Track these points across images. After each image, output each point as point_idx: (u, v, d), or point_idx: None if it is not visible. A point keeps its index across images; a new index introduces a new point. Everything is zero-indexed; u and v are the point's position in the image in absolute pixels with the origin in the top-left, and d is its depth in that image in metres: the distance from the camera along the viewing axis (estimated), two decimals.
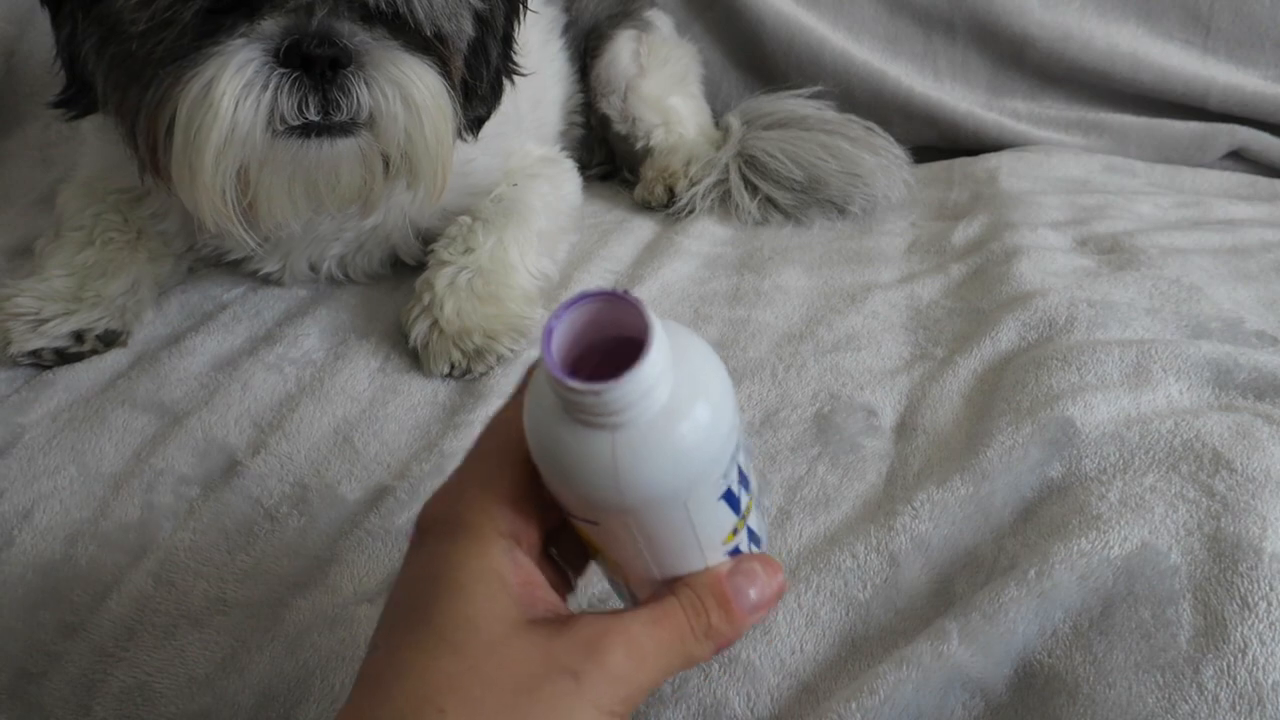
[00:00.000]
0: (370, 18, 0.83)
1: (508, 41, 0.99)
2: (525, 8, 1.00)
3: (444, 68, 0.87)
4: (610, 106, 1.43)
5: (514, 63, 1.01)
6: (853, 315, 1.00)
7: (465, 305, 0.95)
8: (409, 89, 0.82)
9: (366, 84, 0.81)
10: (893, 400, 0.87)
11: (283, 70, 0.79)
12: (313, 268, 1.07)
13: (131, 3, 0.79)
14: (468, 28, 0.89)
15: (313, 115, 0.80)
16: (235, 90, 0.78)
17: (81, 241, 1.02)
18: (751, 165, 1.30)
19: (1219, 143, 1.49)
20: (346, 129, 0.83)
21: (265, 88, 0.79)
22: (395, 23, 0.84)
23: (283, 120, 0.80)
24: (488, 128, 1.01)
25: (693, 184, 1.29)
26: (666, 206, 1.30)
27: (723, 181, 1.30)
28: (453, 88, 0.88)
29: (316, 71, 0.80)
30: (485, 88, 0.96)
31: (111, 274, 0.99)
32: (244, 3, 0.80)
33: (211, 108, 0.78)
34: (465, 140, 0.97)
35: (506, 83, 1.02)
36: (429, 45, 0.86)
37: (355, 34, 0.81)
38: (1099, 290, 0.97)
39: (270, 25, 0.80)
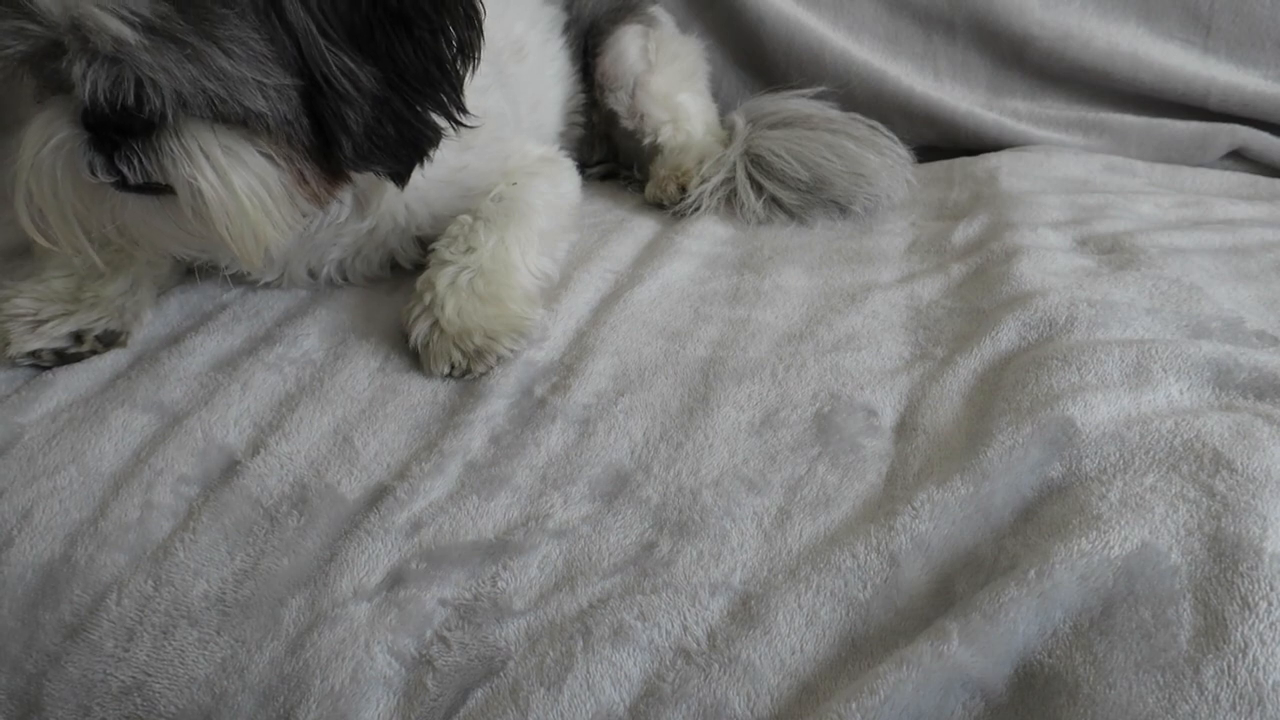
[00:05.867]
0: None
1: (426, 92, 0.89)
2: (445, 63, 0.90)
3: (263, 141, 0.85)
4: (617, 103, 1.42)
5: (451, 114, 0.91)
6: (853, 315, 1.00)
7: (466, 305, 0.95)
8: (185, 165, 0.81)
9: (155, 153, 0.81)
10: (893, 400, 0.87)
11: (80, 131, 0.81)
12: (311, 274, 1.07)
13: None
14: (261, 106, 0.81)
15: (102, 176, 0.82)
16: (35, 144, 0.82)
17: None
18: (758, 164, 1.30)
19: (1219, 142, 1.49)
20: (146, 189, 0.84)
21: (61, 147, 0.82)
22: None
23: (90, 176, 0.82)
24: (483, 132, 1.00)
25: (703, 181, 1.30)
26: (677, 204, 1.30)
27: (729, 180, 1.30)
28: (280, 160, 0.85)
29: (105, 137, 0.81)
30: (364, 147, 0.87)
31: (110, 275, 0.99)
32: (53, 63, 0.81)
33: (21, 157, 0.83)
34: (398, 187, 0.93)
35: (444, 134, 0.92)
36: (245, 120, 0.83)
37: (136, 101, 0.79)
38: (1099, 290, 0.97)
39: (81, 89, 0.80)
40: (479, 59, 0.92)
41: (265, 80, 0.81)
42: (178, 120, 0.80)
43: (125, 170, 0.81)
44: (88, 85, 0.78)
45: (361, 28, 0.84)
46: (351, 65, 0.84)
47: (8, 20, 0.78)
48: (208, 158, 0.81)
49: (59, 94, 0.83)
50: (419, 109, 0.89)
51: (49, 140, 0.82)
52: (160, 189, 0.84)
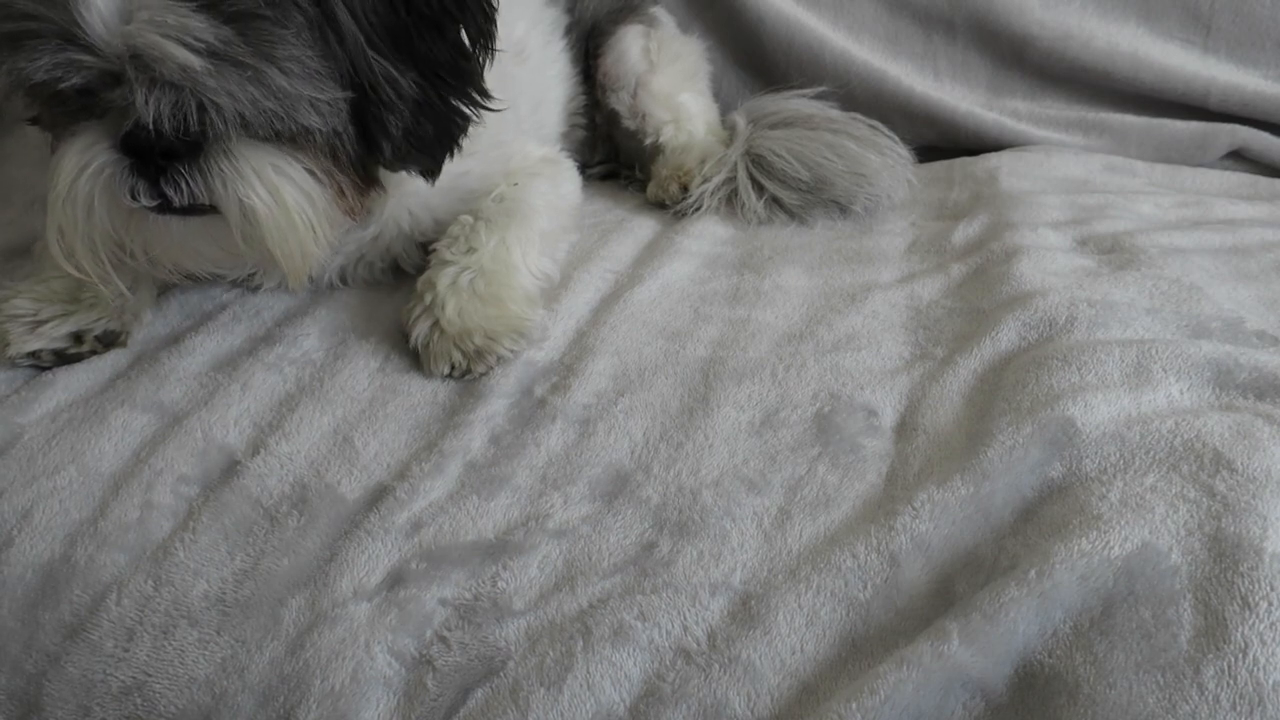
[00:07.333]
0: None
1: (457, 85, 0.91)
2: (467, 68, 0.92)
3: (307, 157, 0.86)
4: (619, 102, 1.42)
5: (477, 101, 0.93)
6: (853, 315, 1.00)
7: (467, 306, 0.95)
8: (238, 185, 0.82)
9: (202, 174, 0.81)
10: (893, 400, 0.87)
11: (120, 157, 0.81)
12: (312, 279, 1.07)
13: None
14: (315, 122, 0.82)
15: (145, 200, 0.82)
16: (71, 172, 0.81)
17: None
18: (759, 165, 1.30)
19: (1219, 142, 1.49)
20: (190, 210, 0.84)
21: (100, 172, 0.81)
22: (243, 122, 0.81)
23: (131, 201, 0.82)
24: (485, 136, 1.01)
25: (704, 181, 1.30)
26: (679, 204, 1.30)
27: (731, 180, 1.30)
28: (321, 175, 0.87)
29: (149, 161, 0.81)
30: (403, 149, 0.89)
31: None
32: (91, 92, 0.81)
33: (55, 187, 0.82)
34: (427, 182, 0.95)
35: (471, 124, 0.94)
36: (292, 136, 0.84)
37: (200, 125, 0.80)
38: (1099, 290, 0.97)
39: (118, 114, 0.80)
40: (495, 48, 0.93)
41: (319, 96, 0.82)
42: (227, 140, 0.81)
43: (171, 193, 0.82)
44: (151, 112, 0.78)
45: (401, 34, 0.86)
46: (394, 72, 0.85)
47: (63, 54, 0.77)
48: (258, 175, 0.82)
49: (86, 120, 0.82)
50: (451, 102, 0.91)
51: (86, 168, 0.81)
52: (203, 210, 0.84)
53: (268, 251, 0.86)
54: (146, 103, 0.78)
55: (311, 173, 0.86)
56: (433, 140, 0.91)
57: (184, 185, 0.81)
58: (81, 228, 0.83)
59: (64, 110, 0.84)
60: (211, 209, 0.84)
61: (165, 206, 0.83)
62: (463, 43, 0.90)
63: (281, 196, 0.83)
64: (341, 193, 0.89)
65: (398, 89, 0.86)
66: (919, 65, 1.58)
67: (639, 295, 1.04)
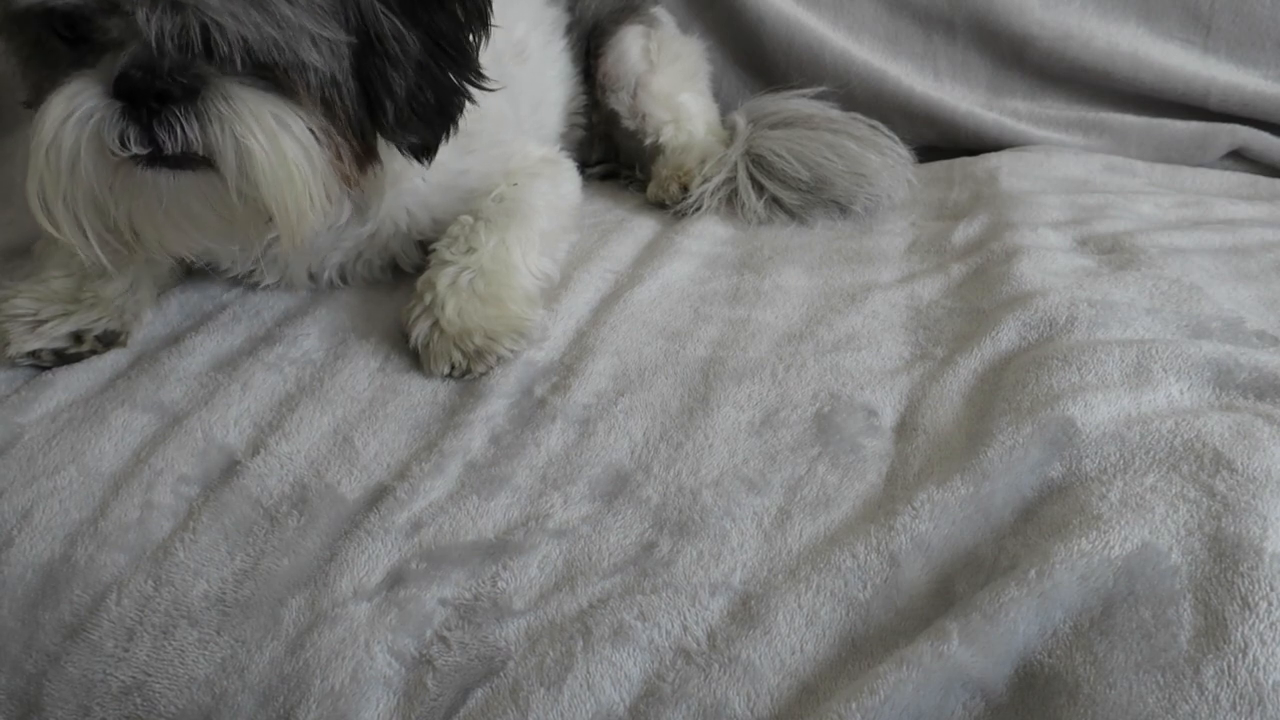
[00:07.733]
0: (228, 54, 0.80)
1: (459, 59, 0.91)
2: (474, 26, 0.92)
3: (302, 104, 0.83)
4: (619, 103, 1.42)
5: (473, 80, 0.93)
6: (853, 315, 1.00)
7: (467, 306, 0.95)
8: (235, 126, 0.79)
9: (198, 119, 0.78)
10: (893, 400, 0.87)
11: (111, 102, 0.78)
12: (312, 277, 1.07)
13: (10, 30, 0.80)
14: (314, 59, 0.80)
15: (135, 148, 0.78)
16: (58, 118, 0.78)
17: None
18: (759, 165, 1.30)
19: (1219, 142, 1.49)
20: (181, 162, 0.81)
21: (89, 118, 0.78)
22: (248, 59, 0.79)
23: (120, 149, 0.78)
24: (485, 135, 1.00)
25: (705, 181, 1.30)
26: (679, 204, 1.30)
27: (731, 180, 1.30)
28: (320, 134, 0.84)
29: (142, 105, 0.78)
30: (404, 113, 0.88)
31: (110, 274, 0.99)
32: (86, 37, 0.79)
33: (39, 134, 0.79)
34: (422, 164, 0.93)
35: (468, 102, 0.93)
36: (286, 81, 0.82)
37: (198, 68, 0.78)
38: (1099, 290, 0.97)
39: (111, 59, 0.78)
40: (490, 25, 0.93)
41: (321, 32, 0.80)
42: (225, 84, 0.79)
43: (164, 137, 0.78)
44: (153, 30, 0.75)
45: None
46: (401, 29, 0.84)
47: None
48: (257, 120, 0.79)
49: (78, 70, 0.80)
50: (452, 75, 0.90)
51: (74, 113, 0.78)
52: (195, 162, 0.81)
53: (263, 206, 0.83)
54: (149, 21, 0.75)
55: (311, 131, 0.83)
56: (433, 110, 0.89)
57: (178, 129, 0.78)
58: (64, 182, 0.80)
59: (50, 73, 0.81)
60: (204, 162, 0.81)
61: (155, 157, 0.80)
62: (460, 17, 0.89)
63: (279, 144, 0.80)
64: (339, 156, 0.87)
65: (403, 45, 0.85)
66: (919, 65, 1.58)
67: (639, 295, 1.05)
